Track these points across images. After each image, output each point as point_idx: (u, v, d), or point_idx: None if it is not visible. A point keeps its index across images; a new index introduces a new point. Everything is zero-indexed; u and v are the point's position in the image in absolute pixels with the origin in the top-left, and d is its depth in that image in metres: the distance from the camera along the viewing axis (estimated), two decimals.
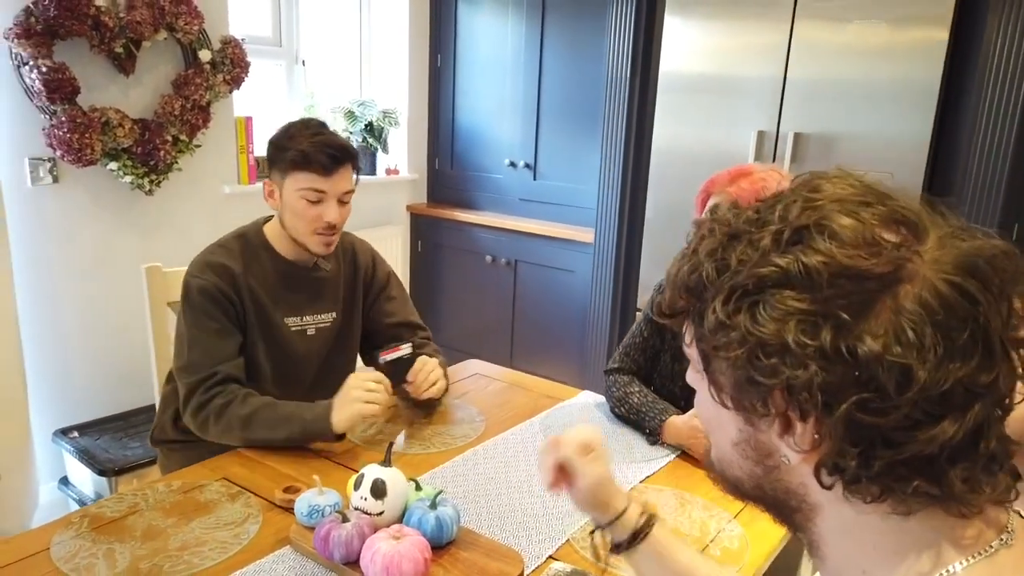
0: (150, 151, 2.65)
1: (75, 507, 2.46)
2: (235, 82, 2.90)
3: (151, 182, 2.70)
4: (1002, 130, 2.39)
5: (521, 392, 1.90)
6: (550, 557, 1.21)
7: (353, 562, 1.13)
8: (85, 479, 2.53)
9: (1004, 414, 0.54)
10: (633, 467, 1.52)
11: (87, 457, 2.46)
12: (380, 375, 1.56)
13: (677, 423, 1.59)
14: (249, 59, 2.93)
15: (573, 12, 3.39)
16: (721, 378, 0.57)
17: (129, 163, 2.63)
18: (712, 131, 2.88)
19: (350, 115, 3.65)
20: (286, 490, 1.32)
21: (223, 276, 1.61)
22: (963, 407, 0.50)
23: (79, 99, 2.46)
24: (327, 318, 1.75)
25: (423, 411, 1.73)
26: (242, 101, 3.11)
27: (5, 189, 2.36)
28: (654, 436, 1.62)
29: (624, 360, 1.79)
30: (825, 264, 0.51)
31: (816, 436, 0.54)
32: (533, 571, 1.17)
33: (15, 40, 2.30)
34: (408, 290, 4.06)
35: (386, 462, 1.24)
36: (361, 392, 1.49)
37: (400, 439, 1.55)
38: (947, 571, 0.54)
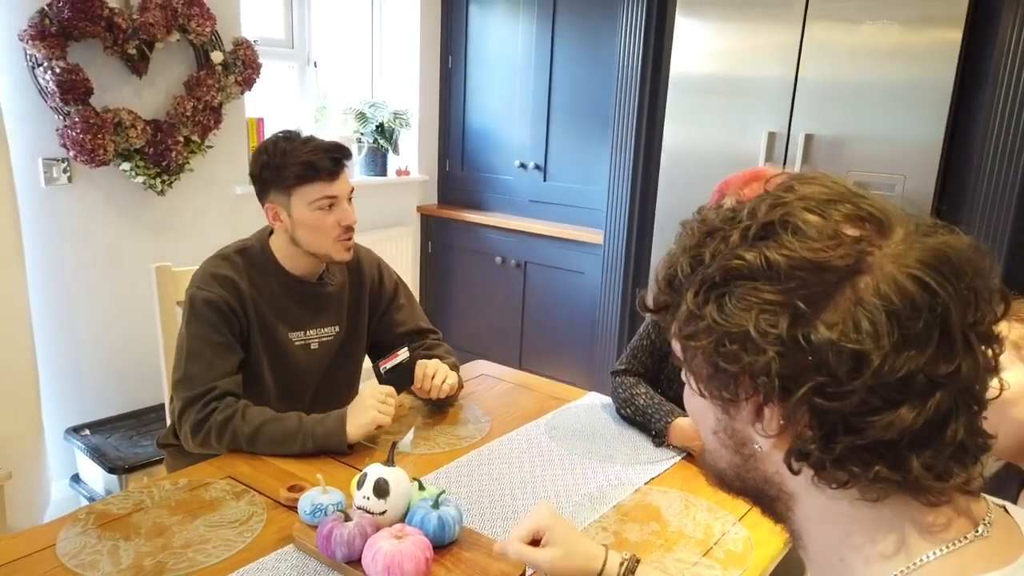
0: (162, 152, 2.67)
1: (86, 504, 2.48)
2: (247, 83, 2.92)
3: (163, 182, 2.73)
4: (1016, 132, 2.37)
5: (527, 393, 1.90)
6: None
7: (355, 561, 1.13)
8: (96, 476, 2.55)
9: (980, 408, 0.55)
10: (639, 468, 1.52)
11: (98, 455, 2.48)
12: (391, 389, 1.57)
13: (683, 425, 1.58)
14: (261, 61, 2.95)
15: (584, 13, 3.38)
16: (696, 368, 0.60)
17: (141, 164, 2.66)
18: (723, 132, 2.87)
19: (361, 116, 3.67)
20: (290, 489, 1.33)
21: (229, 289, 1.59)
22: (922, 395, 0.52)
23: (92, 100, 2.49)
24: (330, 332, 1.74)
25: (437, 410, 1.74)
26: (254, 102, 3.13)
27: (19, 189, 2.39)
28: (660, 438, 1.61)
29: (631, 362, 1.78)
30: (787, 257, 0.54)
31: (781, 422, 0.56)
32: (535, 572, 1.17)
33: (29, 41, 2.32)
34: (418, 291, 4.10)
35: (389, 461, 1.24)
36: (375, 402, 1.51)
37: (406, 440, 1.56)
38: (920, 560, 0.56)
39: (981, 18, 2.40)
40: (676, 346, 0.62)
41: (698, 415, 0.66)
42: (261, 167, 1.60)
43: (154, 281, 1.89)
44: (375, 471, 1.21)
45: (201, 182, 2.93)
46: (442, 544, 1.18)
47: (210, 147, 2.88)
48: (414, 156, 3.97)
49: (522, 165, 3.71)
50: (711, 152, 2.89)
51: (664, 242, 3.07)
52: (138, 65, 2.62)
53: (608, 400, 1.81)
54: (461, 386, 1.80)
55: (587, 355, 3.51)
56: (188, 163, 2.78)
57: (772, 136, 2.75)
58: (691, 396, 0.64)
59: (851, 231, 0.54)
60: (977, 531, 0.57)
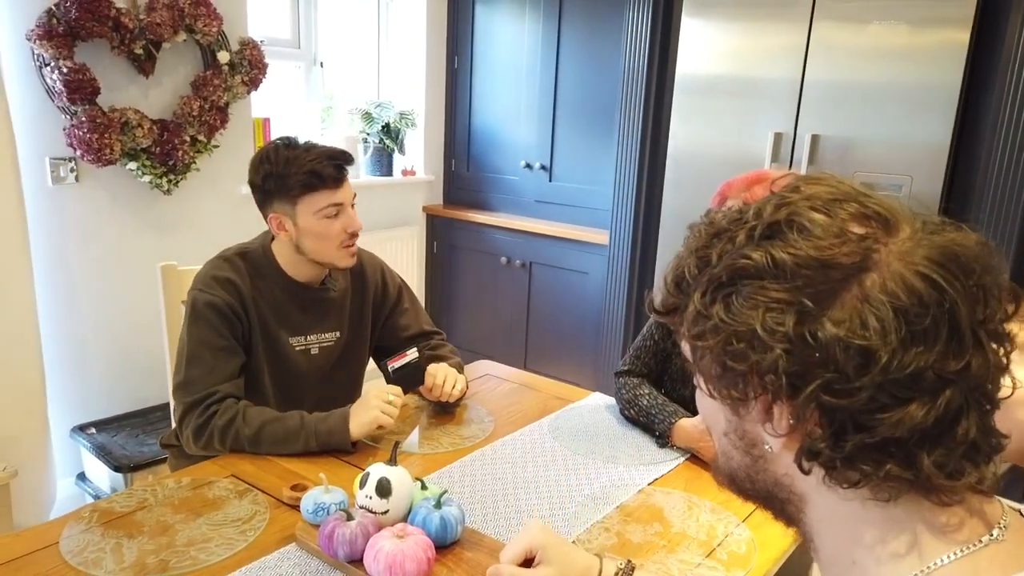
0: (169, 151, 2.68)
1: (91, 502, 2.49)
2: (253, 83, 2.92)
3: (169, 182, 2.74)
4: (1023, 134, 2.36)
5: (531, 393, 1.90)
6: None
7: (357, 560, 1.13)
8: (102, 475, 2.56)
9: (992, 406, 0.55)
10: (642, 469, 1.51)
11: (104, 453, 2.49)
12: (398, 390, 1.57)
13: (687, 426, 1.58)
14: (267, 61, 2.95)
15: (590, 14, 3.38)
16: (705, 368, 0.60)
17: (148, 163, 2.66)
18: (729, 133, 2.86)
19: (367, 116, 3.67)
20: (293, 488, 1.33)
21: (231, 292, 1.58)
22: (932, 392, 0.52)
23: (99, 99, 2.50)
24: (331, 337, 1.74)
25: (442, 411, 1.74)
26: (260, 102, 3.14)
27: (26, 188, 2.40)
28: (663, 438, 1.61)
29: (634, 363, 1.78)
30: (793, 256, 0.54)
31: (791, 420, 0.56)
32: None
33: (37, 41, 2.33)
34: (423, 291, 4.10)
35: (392, 461, 1.24)
36: (379, 402, 1.51)
37: (411, 441, 1.56)
38: (934, 564, 0.55)
39: (989, 19, 2.38)
40: (685, 347, 0.62)
41: (710, 417, 0.66)
42: (264, 177, 1.58)
43: (160, 280, 1.90)
44: (378, 470, 1.21)
45: (207, 182, 2.94)
46: (444, 544, 1.18)
47: (216, 147, 2.89)
48: (420, 156, 3.98)
49: (527, 165, 3.71)
50: (717, 153, 2.89)
51: (669, 243, 3.06)
52: (145, 65, 2.63)
53: (612, 401, 1.81)
54: (467, 387, 1.81)
55: (592, 355, 3.50)
56: (194, 163, 2.79)
57: (778, 137, 2.74)
58: (702, 398, 0.64)
59: (857, 229, 0.54)
60: (992, 534, 0.56)
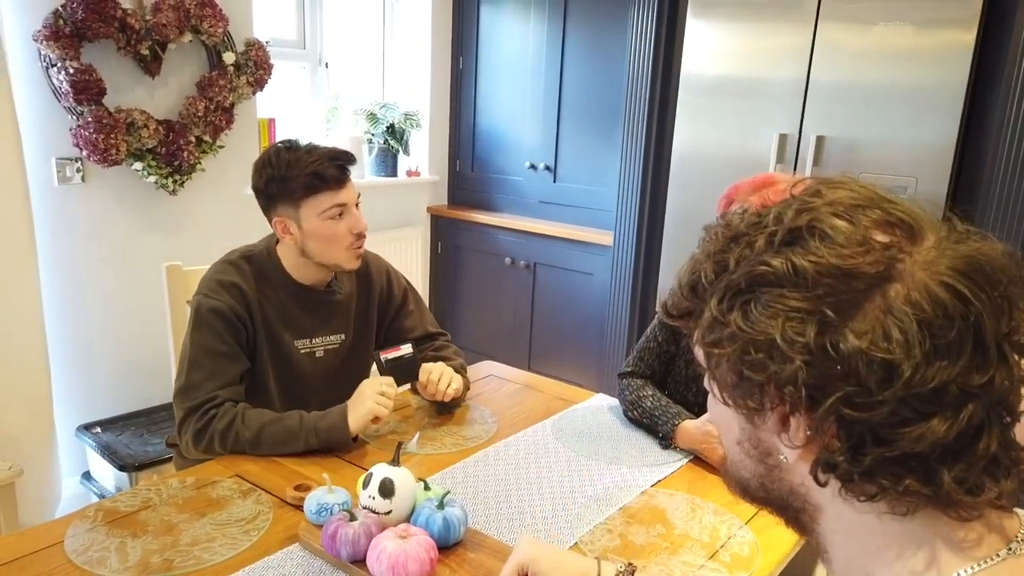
0: (174, 152, 2.69)
1: (96, 501, 2.50)
2: (258, 84, 2.93)
3: (175, 182, 2.74)
4: None
5: (534, 394, 1.90)
6: None
7: (360, 560, 1.13)
8: (107, 474, 2.57)
9: (1013, 420, 0.53)
10: (645, 471, 1.51)
11: (109, 452, 2.49)
12: (390, 380, 1.57)
13: (690, 427, 1.58)
14: (272, 61, 2.96)
15: (594, 14, 3.38)
16: (720, 376, 0.59)
17: (153, 163, 2.67)
18: (733, 134, 2.86)
19: (372, 117, 3.68)
20: (297, 488, 1.33)
21: (236, 297, 1.58)
22: (955, 407, 0.50)
23: (105, 100, 2.51)
24: (336, 339, 1.74)
25: (444, 411, 1.74)
26: (265, 103, 3.14)
27: (32, 188, 2.41)
28: (667, 440, 1.61)
29: (638, 364, 1.78)
30: (814, 264, 0.52)
31: (808, 432, 0.54)
32: None
33: (44, 42, 2.34)
34: (427, 291, 4.10)
35: (395, 461, 1.24)
36: (373, 393, 1.51)
37: (413, 442, 1.56)
38: None
39: (995, 20, 2.38)
40: (699, 353, 0.61)
41: (722, 425, 0.64)
42: (266, 181, 1.58)
43: (164, 280, 1.90)
44: (381, 471, 1.22)
45: (212, 182, 2.94)
46: (447, 545, 1.18)
47: (222, 147, 2.89)
48: (424, 157, 3.98)
49: (532, 166, 3.71)
50: (721, 154, 2.88)
51: (673, 244, 3.06)
52: (151, 65, 2.64)
53: (615, 402, 1.81)
54: (468, 387, 1.81)
55: (596, 356, 3.50)
56: (200, 163, 2.80)
57: (783, 138, 2.73)
58: (715, 404, 0.62)
59: (881, 237, 0.53)
60: (1009, 548, 0.55)
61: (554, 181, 3.66)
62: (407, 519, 1.20)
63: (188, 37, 2.68)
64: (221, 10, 2.72)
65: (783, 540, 1.27)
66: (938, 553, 0.55)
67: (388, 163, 3.77)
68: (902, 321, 0.50)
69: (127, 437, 2.61)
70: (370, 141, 3.73)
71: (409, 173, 3.90)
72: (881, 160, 2.56)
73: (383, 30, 3.89)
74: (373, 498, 1.19)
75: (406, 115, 3.73)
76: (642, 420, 1.68)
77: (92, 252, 2.68)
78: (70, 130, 2.49)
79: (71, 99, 2.42)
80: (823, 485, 0.56)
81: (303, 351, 1.69)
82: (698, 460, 1.56)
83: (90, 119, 2.46)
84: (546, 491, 1.41)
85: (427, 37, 3.83)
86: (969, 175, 2.51)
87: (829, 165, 2.67)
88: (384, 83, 3.96)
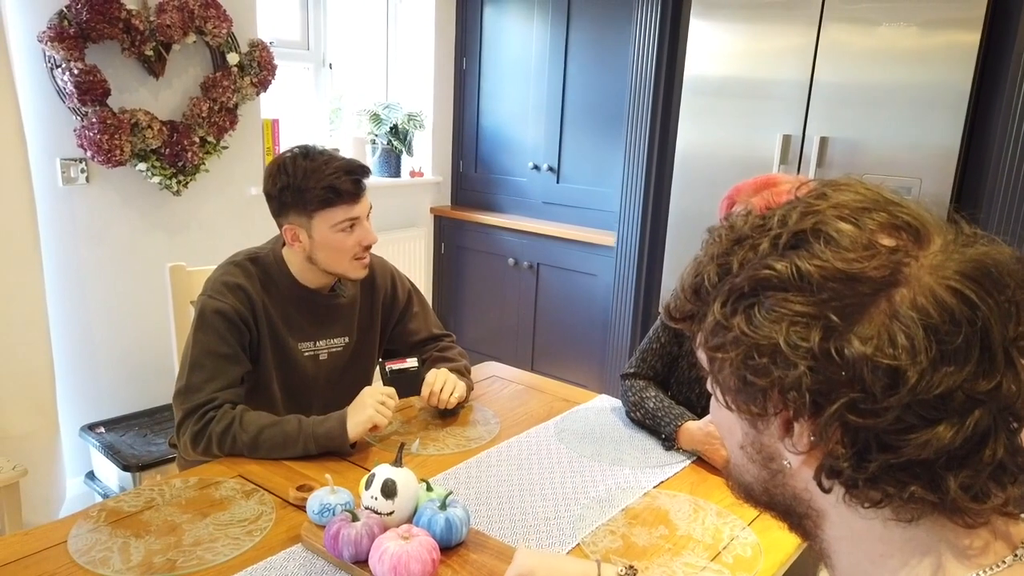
0: (178, 152, 2.69)
1: (99, 501, 2.51)
2: (262, 85, 2.94)
3: (179, 183, 2.75)
4: None
5: (537, 395, 1.90)
6: None
7: (362, 561, 1.13)
8: (110, 474, 2.58)
9: (1020, 425, 0.53)
10: (648, 472, 1.51)
11: (112, 452, 2.50)
12: (392, 391, 1.57)
13: (692, 428, 1.58)
14: (276, 62, 2.97)
15: (598, 15, 3.38)
16: (723, 380, 0.58)
17: (158, 164, 2.68)
18: (737, 134, 2.86)
19: (375, 118, 3.68)
20: (300, 488, 1.33)
21: (241, 299, 1.58)
22: (961, 413, 0.50)
23: (109, 101, 2.51)
24: (340, 342, 1.74)
25: (447, 414, 1.74)
26: (269, 104, 3.15)
27: (37, 189, 2.42)
28: (670, 441, 1.61)
29: (641, 365, 1.78)
30: (819, 268, 0.51)
31: (812, 438, 0.54)
32: None
33: (48, 43, 2.35)
34: (431, 292, 4.11)
35: (397, 462, 1.24)
36: (374, 401, 1.51)
37: (414, 447, 1.56)
38: None
39: (999, 20, 2.37)
40: (702, 357, 0.60)
41: (725, 429, 0.64)
42: (280, 188, 1.56)
43: (168, 281, 1.91)
44: (383, 471, 1.22)
45: (216, 183, 2.95)
46: (449, 545, 1.18)
47: (225, 148, 2.90)
48: (428, 157, 3.98)
49: (535, 167, 3.71)
50: (725, 154, 2.88)
51: (677, 245, 3.06)
52: (155, 66, 2.65)
53: (618, 403, 1.81)
54: (471, 388, 1.81)
55: (599, 357, 3.50)
56: (204, 164, 2.80)
57: (787, 139, 2.73)
58: (717, 408, 0.62)
59: (887, 241, 0.52)
60: (1016, 555, 0.54)
61: (557, 182, 3.66)
62: (409, 520, 1.21)
63: (192, 38, 2.68)
64: (225, 11, 2.73)
65: (786, 542, 1.26)
66: (943, 560, 0.54)
67: (391, 164, 3.77)
68: (908, 327, 0.49)
69: (131, 437, 2.61)
70: (373, 142, 3.74)
71: (412, 174, 3.90)
72: (885, 161, 2.56)
73: (387, 31, 3.90)
74: (375, 499, 1.20)
75: (409, 116, 3.73)
76: (645, 421, 1.68)
77: (96, 252, 2.68)
78: (74, 131, 2.50)
79: (75, 100, 2.43)
80: (827, 491, 0.55)
81: (307, 354, 1.69)
82: (701, 461, 1.56)
83: (94, 120, 2.46)
84: (548, 492, 1.41)
85: (431, 38, 3.83)
86: (973, 176, 2.50)
87: (833, 166, 2.66)
88: (388, 84, 3.96)
